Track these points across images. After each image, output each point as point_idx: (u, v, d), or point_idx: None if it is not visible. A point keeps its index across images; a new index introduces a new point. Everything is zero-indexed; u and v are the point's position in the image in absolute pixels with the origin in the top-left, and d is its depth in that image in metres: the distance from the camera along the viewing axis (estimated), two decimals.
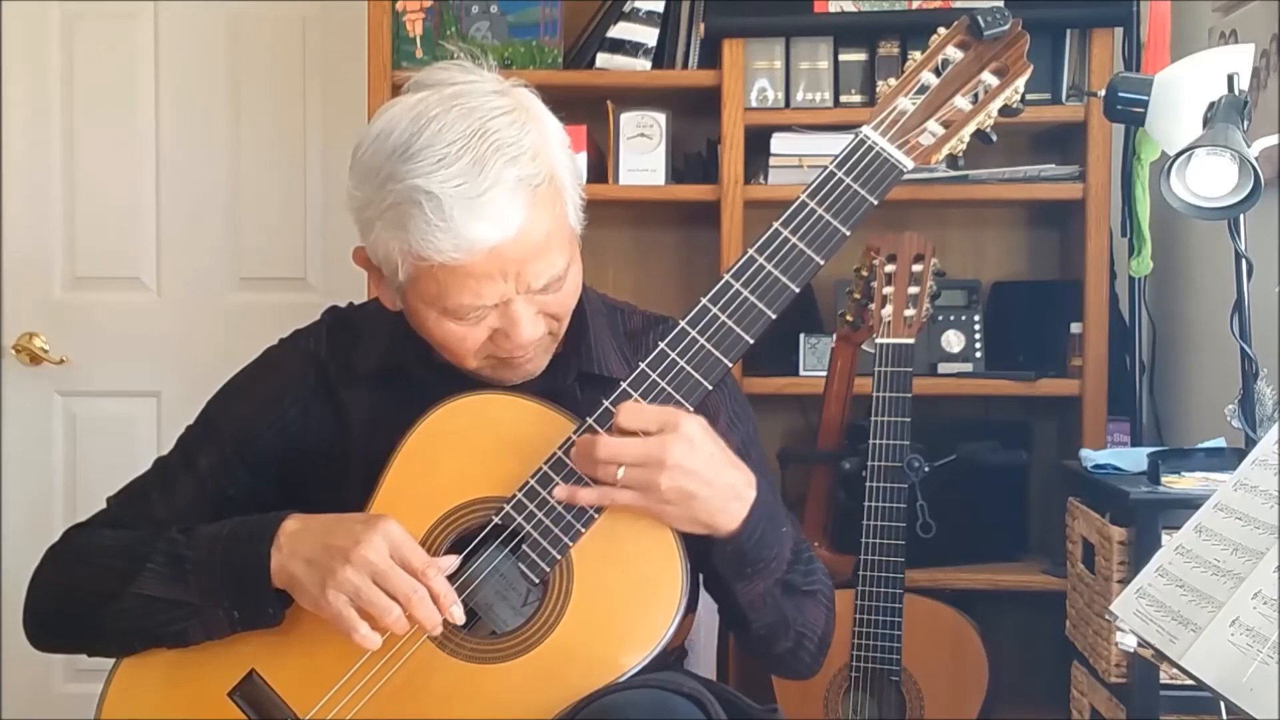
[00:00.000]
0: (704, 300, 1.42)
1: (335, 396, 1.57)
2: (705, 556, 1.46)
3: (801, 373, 2.85)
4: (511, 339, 1.44)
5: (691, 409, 1.42)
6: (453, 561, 1.43)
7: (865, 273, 2.52)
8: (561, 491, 1.40)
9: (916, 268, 2.43)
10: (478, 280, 1.40)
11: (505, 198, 1.37)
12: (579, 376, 1.56)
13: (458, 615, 1.40)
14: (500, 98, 1.43)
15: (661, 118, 2.86)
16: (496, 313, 1.43)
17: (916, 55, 1.49)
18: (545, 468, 1.42)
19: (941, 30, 1.49)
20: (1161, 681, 1.99)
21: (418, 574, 1.39)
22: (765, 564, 1.47)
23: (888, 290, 2.43)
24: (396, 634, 1.40)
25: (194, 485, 1.57)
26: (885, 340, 2.42)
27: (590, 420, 1.42)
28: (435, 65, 1.48)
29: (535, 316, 1.45)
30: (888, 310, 2.43)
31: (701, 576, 1.56)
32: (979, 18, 1.46)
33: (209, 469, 1.57)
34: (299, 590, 1.43)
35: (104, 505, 1.62)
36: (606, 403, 1.42)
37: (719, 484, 1.40)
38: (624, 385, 1.42)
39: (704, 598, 1.58)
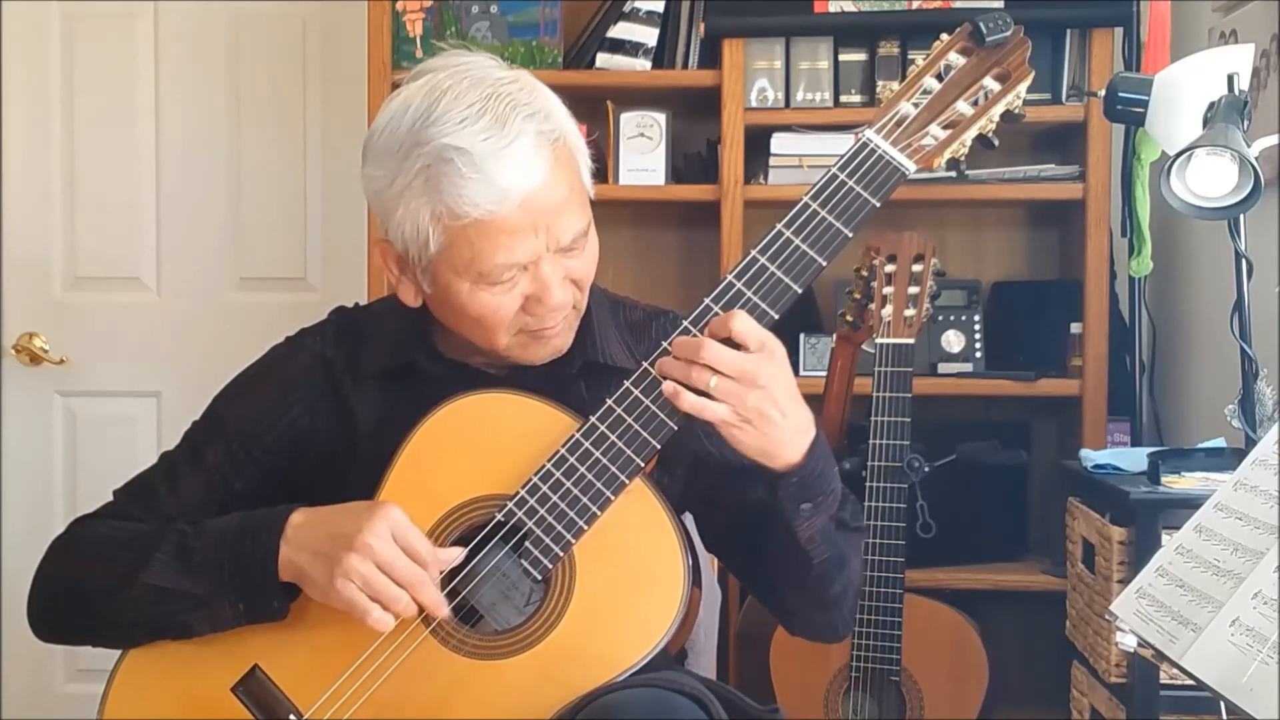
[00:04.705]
0: (707, 300, 1.43)
1: (341, 395, 1.58)
2: (769, 494, 1.45)
3: (801, 373, 2.85)
4: (544, 303, 1.46)
5: None
6: (458, 554, 1.44)
7: (865, 273, 2.52)
8: (669, 387, 1.39)
9: (916, 268, 2.44)
10: (510, 236, 1.42)
11: (530, 148, 1.41)
12: (583, 366, 1.56)
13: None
14: (503, 70, 1.48)
15: (661, 118, 2.86)
16: (527, 277, 1.45)
17: (917, 56, 1.50)
18: (548, 465, 1.43)
19: (944, 36, 1.50)
20: (1161, 681, 1.99)
21: (422, 561, 1.40)
22: (824, 498, 1.48)
23: (888, 290, 2.44)
24: (404, 619, 1.41)
25: (200, 480, 1.58)
26: (885, 340, 2.42)
27: (605, 408, 1.42)
28: (436, 56, 1.51)
29: (563, 280, 1.47)
30: (888, 310, 2.43)
31: (735, 557, 1.57)
32: (981, 24, 1.47)
33: (215, 464, 1.58)
34: (308, 582, 1.44)
35: (110, 498, 1.62)
36: (610, 401, 1.42)
37: (792, 415, 1.41)
38: (627, 384, 1.43)
39: (705, 601, 1.58)
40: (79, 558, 1.55)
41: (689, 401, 1.38)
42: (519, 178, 1.40)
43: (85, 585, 1.52)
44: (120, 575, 1.49)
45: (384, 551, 1.39)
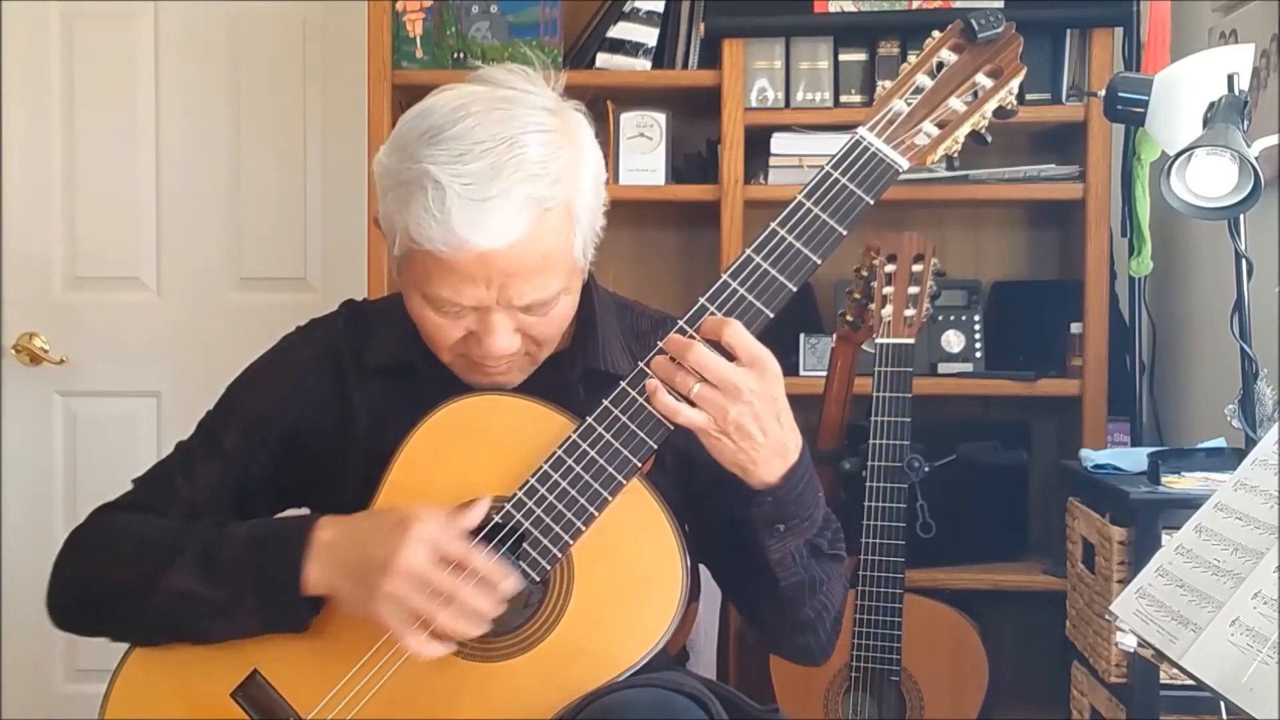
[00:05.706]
0: (702, 299, 1.43)
1: (345, 389, 1.58)
2: (743, 509, 1.45)
3: (801, 373, 2.85)
4: (483, 346, 1.46)
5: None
6: (480, 511, 1.42)
7: (865, 273, 2.52)
8: (651, 384, 1.39)
9: (916, 268, 2.43)
10: (459, 279, 1.41)
11: (508, 210, 1.38)
12: (585, 373, 1.56)
13: (514, 583, 1.40)
14: (549, 116, 1.44)
15: (661, 118, 2.86)
16: (475, 316, 1.45)
17: (915, 56, 1.49)
18: (545, 466, 1.42)
19: (936, 33, 1.50)
20: (1161, 681, 1.99)
21: (461, 562, 1.39)
22: (799, 522, 1.48)
23: (888, 290, 2.43)
24: (451, 634, 1.39)
25: (217, 467, 1.58)
26: (885, 340, 2.42)
27: (602, 409, 1.42)
28: (505, 65, 1.49)
29: (512, 332, 1.46)
30: (888, 310, 2.43)
31: (713, 565, 1.56)
32: (973, 21, 1.47)
33: (233, 449, 1.58)
34: (345, 603, 1.43)
35: (114, 494, 1.62)
36: (606, 402, 1.42)
37: (773, 436, 1.41)
38: (623, 384, 1.42)
39: (704, 601, 1.58)
40: (99, 553, 1.54)
41: (663, 402, 1.38)
42: (479, 235, 1.38)
43: (104, 582, 1.52)
44: (141, 577, 1.48)
45: (424, 571, 1.38)
